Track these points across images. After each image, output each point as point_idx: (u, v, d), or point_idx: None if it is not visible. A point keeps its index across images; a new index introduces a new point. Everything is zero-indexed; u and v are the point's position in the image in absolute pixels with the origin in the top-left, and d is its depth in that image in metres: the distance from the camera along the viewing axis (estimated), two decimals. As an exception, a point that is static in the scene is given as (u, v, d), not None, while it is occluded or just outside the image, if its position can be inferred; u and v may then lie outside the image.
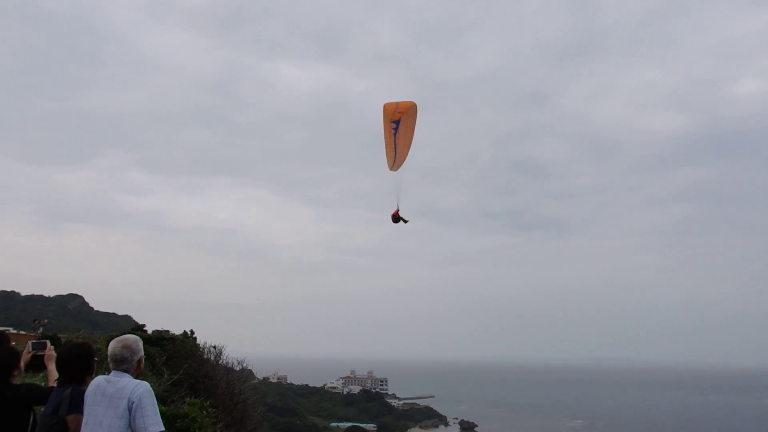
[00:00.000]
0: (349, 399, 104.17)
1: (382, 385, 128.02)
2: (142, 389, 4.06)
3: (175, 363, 13.43)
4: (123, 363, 4.20)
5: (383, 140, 22.13)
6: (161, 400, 8.86)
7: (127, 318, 64.94)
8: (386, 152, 22.12)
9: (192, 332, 17.54)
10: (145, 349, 4.48)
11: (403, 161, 22.38)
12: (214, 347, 16.60)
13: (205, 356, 16.33)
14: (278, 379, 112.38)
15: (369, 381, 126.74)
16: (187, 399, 10.77)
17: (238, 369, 17.47)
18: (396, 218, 22.47)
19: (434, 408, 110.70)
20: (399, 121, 21.17)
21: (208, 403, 10.52)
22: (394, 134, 21.79)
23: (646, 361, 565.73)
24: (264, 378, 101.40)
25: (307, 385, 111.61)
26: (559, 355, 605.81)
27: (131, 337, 4.36)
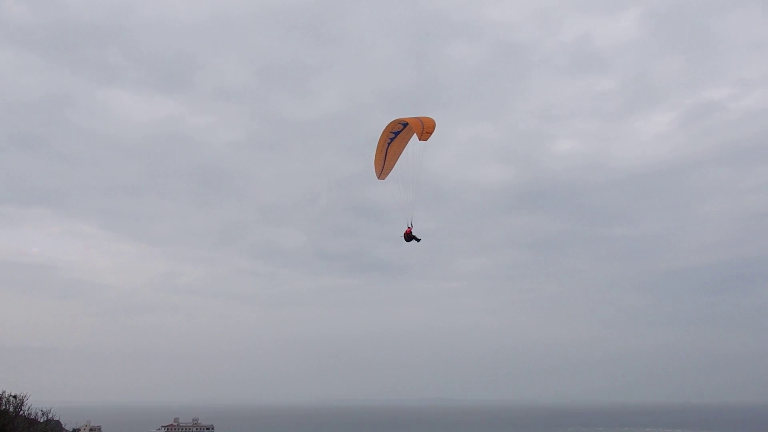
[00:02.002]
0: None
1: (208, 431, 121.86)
2: None
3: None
4: None
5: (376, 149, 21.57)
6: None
7: None
8: (376, 160, 21.50)
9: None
10: None
11: (390, 171, 21.90)
12: (14, 397, 14.80)
13: (2, 407, 14.52)
14: (91, 430, 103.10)
15: (194, 428, 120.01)
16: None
17: (42, 420, 15.69)
18: (409, 237, 21.45)
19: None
20: (399, 132, 20.71)
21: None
22: (389, 143, 21.29)
23: (478, 400, 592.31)
24: (74, 430, 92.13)
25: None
26: (396, 396, 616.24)
27: None
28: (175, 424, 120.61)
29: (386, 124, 20.80)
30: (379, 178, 22.06)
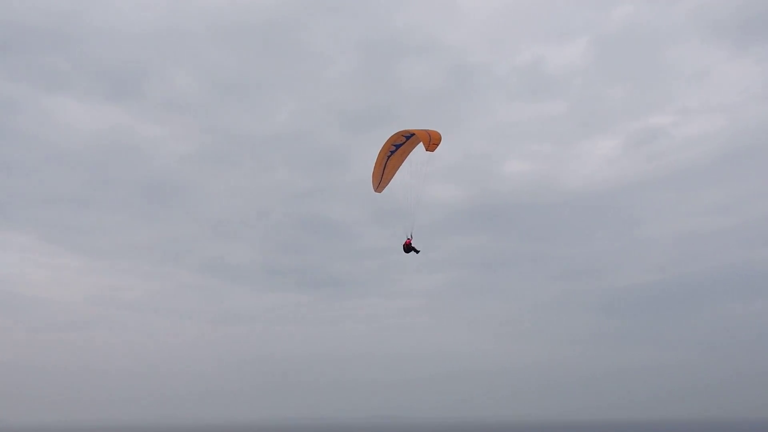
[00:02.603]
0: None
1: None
2: None
3: None
4: None
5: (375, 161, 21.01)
6: None
7: None
8: (374, 173, 20.84)
9: None
10: None
11: (387, 184, 21.41)
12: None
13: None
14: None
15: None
16: None
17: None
18: (408, 248, 21.00)
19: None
20: (401, 145, 20.24)
21: None
22: (389, 156, 20.73)
23: (427, 418, 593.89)
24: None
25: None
26: (345, 415, 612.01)
27: None
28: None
29: (388, 137, 20.78)
30: (376, 191, 21.97)
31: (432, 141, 19.33)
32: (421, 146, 20.06)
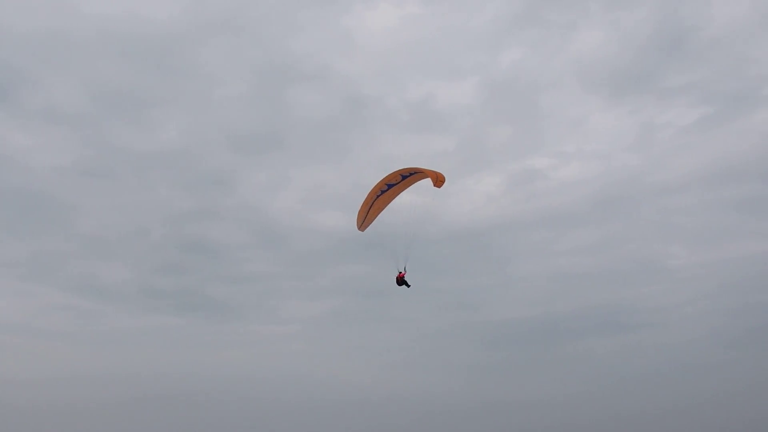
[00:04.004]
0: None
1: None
2: None
3: None
4: None
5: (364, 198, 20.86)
6: None
7: None
8: (360, 211, 20.94)
9: None
10: None
11: (371, 224, 21.56)
12: None
13: None
14: None
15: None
16: None
17: None
18: (401, 281, 21.30)
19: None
20: (394, 185, 20.49)
21: None
22: (379, 195, 20.98)
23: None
24: None
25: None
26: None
27: None
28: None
29: (384, 176, 21.55)
30: (359, 229, 22.46)
31: (439, 178, 20.43)
32: (417, 185, 21.01)
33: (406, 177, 21.09)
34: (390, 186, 21.22)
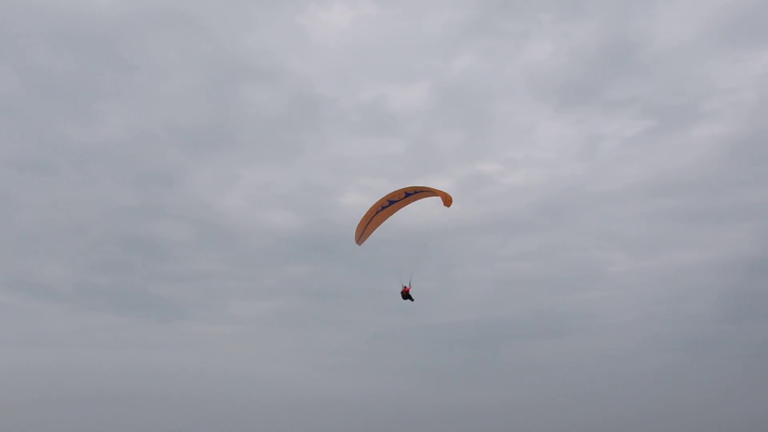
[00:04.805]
0: None
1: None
2: None
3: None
4: None
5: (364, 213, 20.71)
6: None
7: None
8: (359, 224, 20.77)
9: None
10: None
11: (367, 238, 21.38)
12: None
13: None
14: None
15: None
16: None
17: None
18: (405, 295, 21.14)
19: None
20: (396, 201, 20.29)
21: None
22: (380, 210, 20.78)
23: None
24: None
25: None
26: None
27: None
28: None
29: (387, 193, 21.53)
30: (357, 243, 22.65)
31: (448, 199, 21.03)
32: (419, 203, 21.41)
33: (410, 195, 21.24)
34: (392, 202, 21.36)
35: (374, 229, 22.39)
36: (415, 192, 21.57)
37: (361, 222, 22.27)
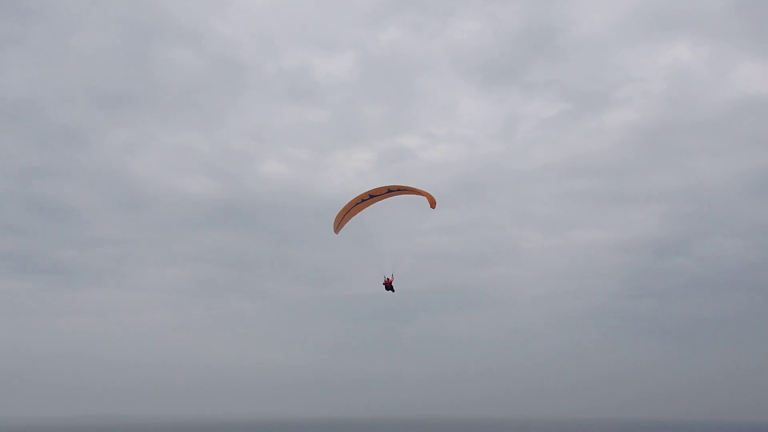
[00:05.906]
0: None
1: None
2: None
3: None
4: None
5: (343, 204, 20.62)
6: None
7: None
8: (338, 214, 20.72)
9: None
10: None
11: (343, 227, 21.40)
12: None
13: None
14: None
15: None
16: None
17: None
18: (388, 286, 21.38)
19: None
20: (376, 196, 20.25)
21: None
22: (359, 203, 20.74)
23: (157, 416, 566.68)
24: None
25: None
26: (68, 414, 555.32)
27: None
28: None
29: (371, 188, 21.97)
30: (335, 231, 23.34)
31: (433, 201, 21.66)
32: (399, 200, 21.86)
33: (392, 191, 21.81)
34: (372, 197, 22.00)
35: (349, 219, 23.51)
36: (398, 190, 22.46)
37: (339, 212, 23.36)
